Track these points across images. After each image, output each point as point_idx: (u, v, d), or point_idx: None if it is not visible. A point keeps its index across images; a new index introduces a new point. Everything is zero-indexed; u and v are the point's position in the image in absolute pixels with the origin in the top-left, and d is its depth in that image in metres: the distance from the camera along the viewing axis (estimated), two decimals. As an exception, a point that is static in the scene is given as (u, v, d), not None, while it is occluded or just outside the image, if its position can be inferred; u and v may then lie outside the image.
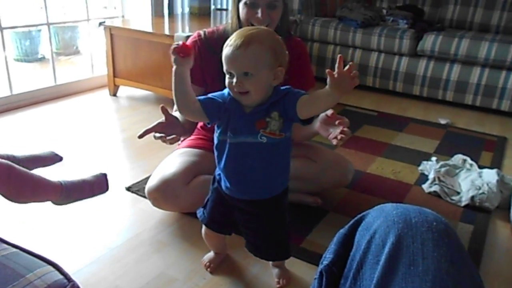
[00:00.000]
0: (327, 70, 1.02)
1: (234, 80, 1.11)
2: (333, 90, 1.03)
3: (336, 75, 1.00)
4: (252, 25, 1.50)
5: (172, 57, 1.12)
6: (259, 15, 1.47)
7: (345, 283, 0.77)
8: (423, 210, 0.76)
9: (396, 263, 0.68)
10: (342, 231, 0.84)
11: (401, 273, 0.67)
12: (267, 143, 1.15)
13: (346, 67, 1.00)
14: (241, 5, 1.50)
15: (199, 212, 1.38)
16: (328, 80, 1.02)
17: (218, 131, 1.21)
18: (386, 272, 0.68)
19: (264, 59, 1.10)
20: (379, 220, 0.76)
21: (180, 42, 1.12)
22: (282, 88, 1.17)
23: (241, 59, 1.09)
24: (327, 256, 0.83)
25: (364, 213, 0.82)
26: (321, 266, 0.84)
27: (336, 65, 1.00)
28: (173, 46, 1.11)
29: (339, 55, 1.01)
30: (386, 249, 0.70)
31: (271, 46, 1.11)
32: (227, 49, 1.11)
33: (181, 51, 1.12)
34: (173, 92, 1.16)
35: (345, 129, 1.33)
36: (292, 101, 1.12)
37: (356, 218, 0.83)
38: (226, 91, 1.19)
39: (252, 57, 1.09)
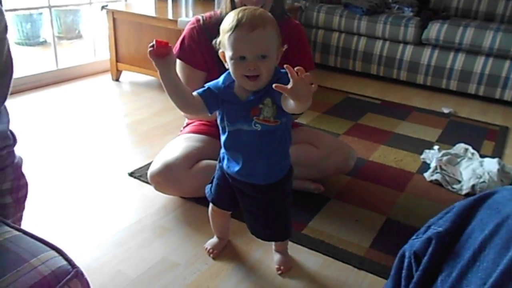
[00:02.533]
0: (274, 85, 0.97)
1: (247, 64, 1.07)
2: (294, 100, 0.98)
3: (289, 86, 0.95)
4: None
5: (153, 62, 1.06)
6: None
7: (456, 259, 0.71)
8: None
9: None
10: (463, 202, 0.76)
11: None
12: (262, 130, 1.14)
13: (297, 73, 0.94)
14: None
15: (207, 189, 1.38)
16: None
17: (219, 118, 1.21)
18: None
19: (276, 40, 1.09)
20: None
21: (154, 42, 1.04)
22: (281, 70, 1.13)
23: (260, 41, 1.05)
24: (442, 223, 0.75)
25: (491, 190, 0.75)
26: (432, 231, 0.76)
27: (289, 75, 0.94)
28: (149, 50, 1.05)
29: (285, 65, 0.93)
30: None
31: (276, 26, 1.10)
32: (238, 33, 1.05)
33: (159, 53, 1.05)
34: (168, 96, 1.13)
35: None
36: (279, 92, 1.08)
37: (481, 194, 0.75)
38: (221, 79, 1.17)
39: (270, 38, 1.07)
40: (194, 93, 1.16)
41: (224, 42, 1.10)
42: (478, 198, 0.75)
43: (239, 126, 1.16)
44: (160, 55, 1.06)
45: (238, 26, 1.05)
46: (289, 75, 0.94)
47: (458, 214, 0.75)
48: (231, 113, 1.16)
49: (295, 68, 0.94)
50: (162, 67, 1.08)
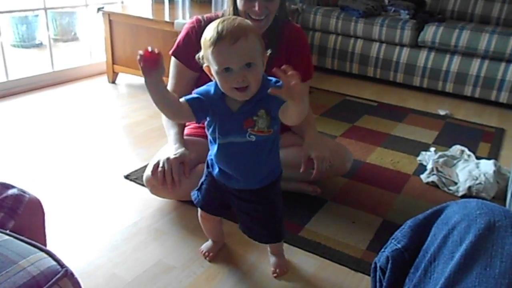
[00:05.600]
0: (269, 90, 1.01)
1: (234, 76, 1.06)
2: (289, 100, 1.02)
3: (283, 88, 0.98)
4: (250, 17, 1.49)
5: (141, 68, 1.03)
6: (256, 8, 1.46)
7: (415, 272, 0.76)
8: (509, 213, 0.73)
9: (472, 262, 0.67)
10: (420, 216, 0.81)
11: (475, 273, 0.65)
12: (256, 141, 1.15)
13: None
14: None
15: (194, 195, 1.37)
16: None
17: (209, 130, 1.20)
18: (459, 269, 0.67)
19: (259, 47, 1.09)
20: (460, 215, 0.73)
21: (141, 53, 1.01)
22: (271, 80, 1.13)
23: (244, 50, 1.05)
24: (400, 238, 0.80)
25: (444, 204, 0.79)
26: (390, 249, 0.81)
27: (280, 79, 0.98)
28: (139, 58, 1.01)
29: (274, 69, 0.97)
30: (463, 247, 0.68)
31: (257, 33, 1.10)
32: (220, 46, 1.04)
33: (149, 63, 1.01)
34: (154, 103, 1.11)
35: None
36: (276, 104, 1.09)
37: (435, 209, 0.80)
38: (212, 89, 1.15)
39: (253, 46, 1.06)
40: (182, 100, 1.14)
41: (207, 57, 1.09)
42: (433, 213, 0.79)
43: (231, 139, 1.16)
44: (152, 64, 1.02)
45: (219, 39, 1.04)
46: (280, 79, 0.96)
47: (414, 230, 0.80)
48: (223, 125, 1.16)
49: (282, 67, 0.96)
50: (151, 76, 1.05)
